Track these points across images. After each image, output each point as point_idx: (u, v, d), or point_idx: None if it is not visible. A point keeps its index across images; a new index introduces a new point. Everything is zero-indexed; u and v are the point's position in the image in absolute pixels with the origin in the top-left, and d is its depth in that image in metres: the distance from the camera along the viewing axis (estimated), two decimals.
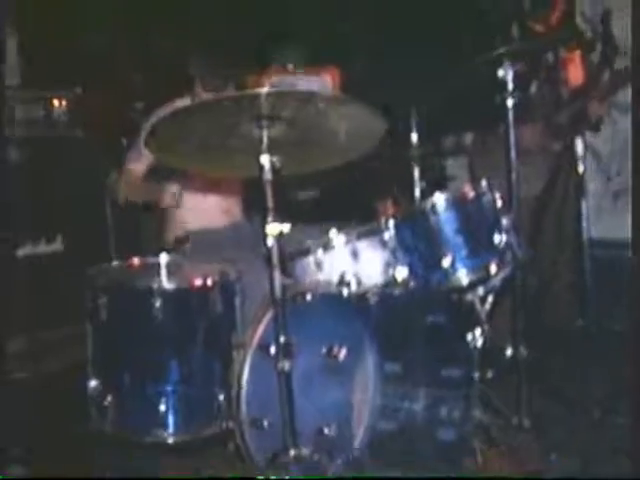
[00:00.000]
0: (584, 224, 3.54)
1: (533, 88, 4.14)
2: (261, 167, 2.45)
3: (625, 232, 4.81)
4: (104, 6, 5.04)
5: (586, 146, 3.57)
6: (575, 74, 4.21)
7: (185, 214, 3.74)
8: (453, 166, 5.24)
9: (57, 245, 4.39)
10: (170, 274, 2.93)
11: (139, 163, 3.70)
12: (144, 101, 4.64)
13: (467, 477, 2.80)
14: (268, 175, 2.44)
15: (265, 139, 2.45)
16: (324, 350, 2.60)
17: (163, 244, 3.74)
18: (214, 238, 3.63)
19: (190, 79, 3.74)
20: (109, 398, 2.84)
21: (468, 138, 5.08)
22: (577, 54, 4.24)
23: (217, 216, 3.81)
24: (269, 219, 2.40)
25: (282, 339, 2.37)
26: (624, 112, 4.75)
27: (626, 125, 4.81)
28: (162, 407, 2.79)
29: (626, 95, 4.54)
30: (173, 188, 3.56)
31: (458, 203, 2.94)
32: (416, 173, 3.75)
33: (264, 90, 2.33)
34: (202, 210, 3.76)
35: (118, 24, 5.04)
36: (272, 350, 2.48)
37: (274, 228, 2.38)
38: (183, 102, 3.71)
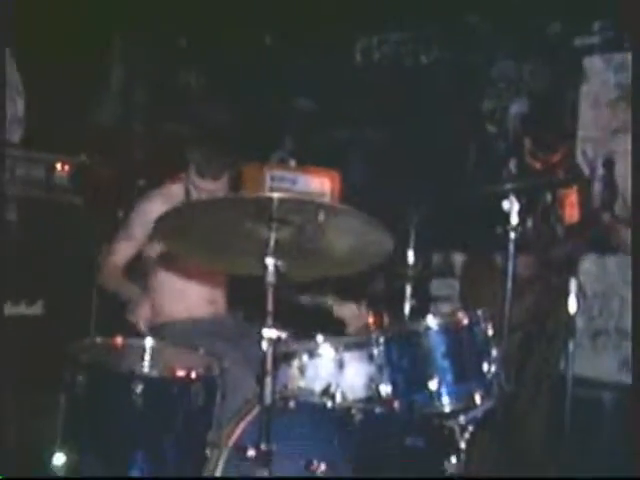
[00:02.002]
0: (569, 363, 3.54)
1: (529, 223, 4.21)
2: (265, 269, 2.44)
3: (601, 372, 4.88)
4: (115, 81, 5.14)
5: (580, 286, 3.61)
6: (571, 212, 4.29)
7: (169, 301, 3.70)
8: (437, 285, 5.26)
9: (37, 309, 4.32)
10: (153, 360, 2.89)
11: (128, 244, 3.66)
12: (145, 179, 4.65)
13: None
14: (271, 278, 2.43)
15: (272, 242, 2.46)
16: (302, 462, 2.55)
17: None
18: (195, 328, 3.58)
19: (186, 163, 3.69)
20: None
21: (456, 259, 5.14)
22: (574, 192, 4.33)
23: (201, 306, 3.76)
24: (268, 323, 2.37)
25: (263, 446, 2.32)
26: (613, 255, 4.83)
27: (613, 269, 4.89)
28: None
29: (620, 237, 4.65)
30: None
31: (451, 328, 2.95)
32: (408, 290, 3.75)
33: (278, 195, 2.35)
34: (186, 298, 3.72)
35: (128, 101, 5.10)
36: (249, 453, 2.44)
37: (272, 333, 2.35)
38: (176, 187, 3.72)
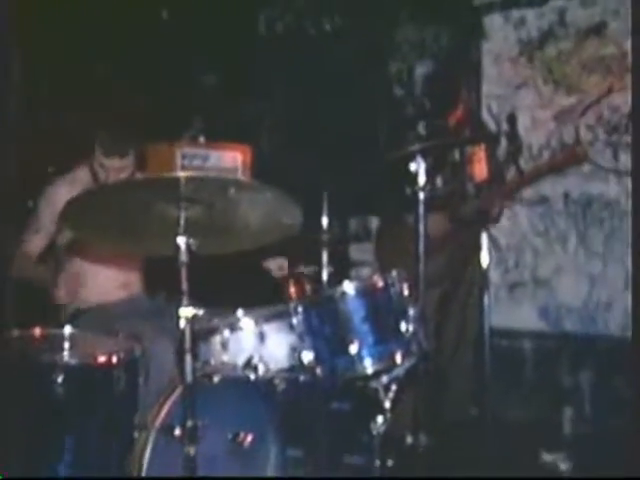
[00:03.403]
0: (485, 314, 3.64)
1: (439, 182, 4.29)
2: (177, 248, 2.45)
3: (520, 322, 5.02)
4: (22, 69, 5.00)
5: (492, 239, 3.70)
6: (480, 169, 4.38)
7: (81, 287, 3.62)
8: (356, 250, 5.31)
9: None
10: (73, 348, 2.87)
11: (37, 235, 3.62)
12: (54, 166, 4.55)
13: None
14: (184, 257, 2.44)
15: (182, 221, 2.46)
16: (230, 436, 2.58)
17: (59, 317, 3.65)
18: (110, 312, 3.56)
19: (92, 145, 3.63)
20: None
21: (373, 223, 5.20)
22: (482, 150, 4.42)
23: (115, 290, 3.75)
24: (184, 302, 2.38)
25: (189, 423, 2.34)
26: (525, 206, 4.94)
27: (524, 219, 5.01)
28: None
29: (527, 191, 4.77)
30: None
31: (367, 292, 2.99)
32: (324, 256, 3.78)
33: (185, 174, 2.36)
34: (98, 284, 3.69)
35: (31, 85, 4.98)
36: (176, 432, 2.45)
37: (188, 311, 2.36)
38: (81, 171, 3.68)
